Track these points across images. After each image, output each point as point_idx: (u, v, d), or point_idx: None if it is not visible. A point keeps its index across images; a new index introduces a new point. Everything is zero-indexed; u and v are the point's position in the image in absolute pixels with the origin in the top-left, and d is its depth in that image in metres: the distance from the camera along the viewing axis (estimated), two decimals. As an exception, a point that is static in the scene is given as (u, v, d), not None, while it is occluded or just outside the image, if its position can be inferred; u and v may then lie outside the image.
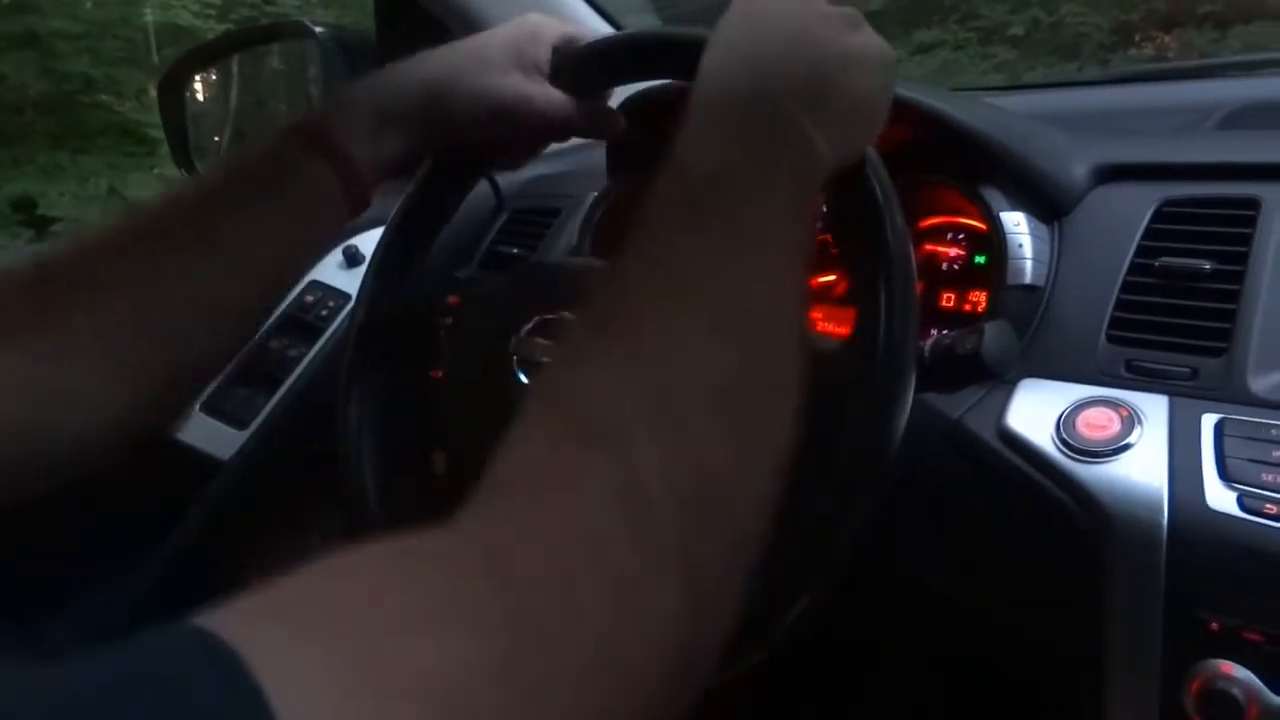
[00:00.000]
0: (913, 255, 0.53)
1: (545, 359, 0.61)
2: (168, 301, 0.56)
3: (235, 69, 1.29)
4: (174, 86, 1.21)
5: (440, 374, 0.70)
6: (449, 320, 0.70)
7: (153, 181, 4.71)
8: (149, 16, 4.81)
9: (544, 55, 0.66)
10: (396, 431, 0.71)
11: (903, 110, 0.75)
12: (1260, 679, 0.53)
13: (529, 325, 0.63)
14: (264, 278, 0.61)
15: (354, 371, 0.72)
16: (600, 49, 0.66)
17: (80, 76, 4.84)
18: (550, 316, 0.63)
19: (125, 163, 4.89)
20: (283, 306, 1.04)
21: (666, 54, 0.63)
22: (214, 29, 4.94)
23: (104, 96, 4.99)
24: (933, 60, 4.95)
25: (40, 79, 4.78)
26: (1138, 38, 4.71)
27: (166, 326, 0.56)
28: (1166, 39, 4.58)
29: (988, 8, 5.12)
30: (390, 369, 0.74)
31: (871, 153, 0.54)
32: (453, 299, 0.71)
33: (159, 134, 4.67)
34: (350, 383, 0.72)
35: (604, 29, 1.24)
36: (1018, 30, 4.91)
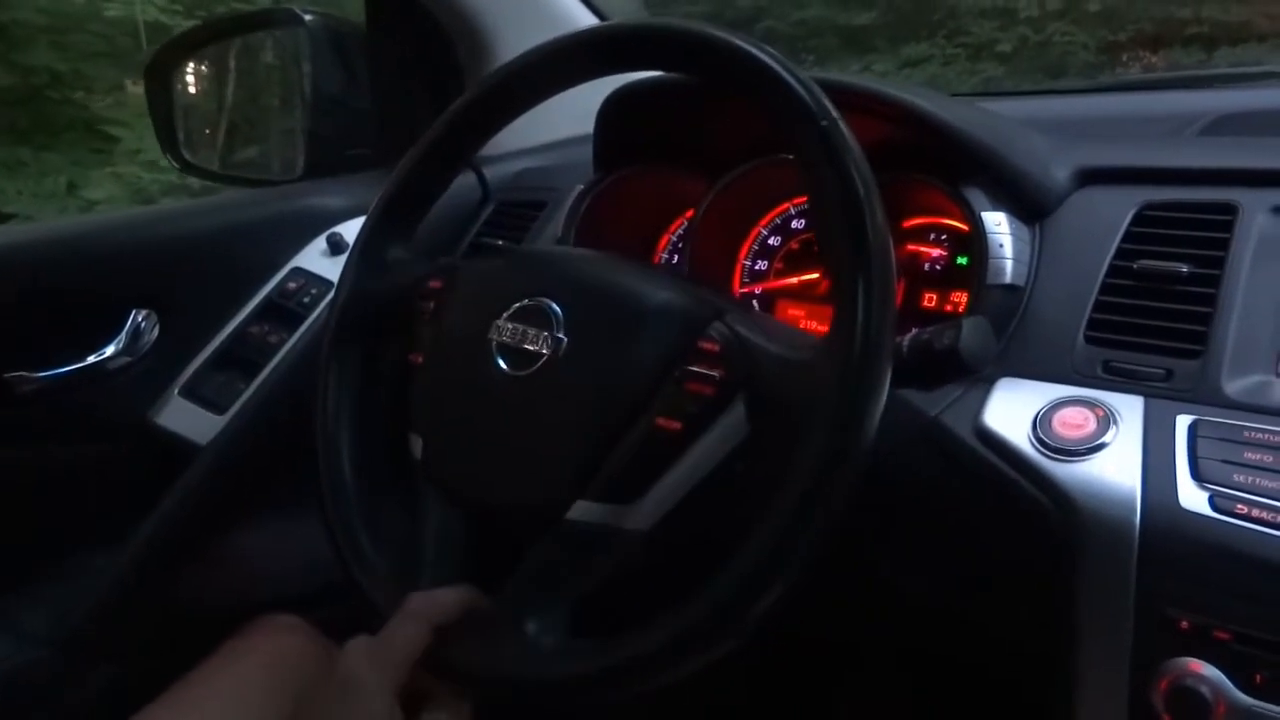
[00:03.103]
0: (892, 251, 0.53)
1: (525, 345, 0.61)
2: None
3: (224, 58, 1.29)
4: (160, 75, 1.20)
5: (419, 358, 0.70)
6: (430, 305, 0.70)
7: (108, 181, 4.59)
8: (110, 11, 4.68)
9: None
10: (375, 415, 0.71)
11: (887, 108, 0.76)
12: (1228, 677, 0.53)
13: (509, 311, 0.63)
14: None
15: (333, 354, 0.72)
16: (585, 40, 0.66)
17: (46, 70, 4.68)
18: (530, 303, 0.63)
19: (90, 159, 4.74)
20: (265, 292, 1.03)
21: (650, 45, 0.63)
22: (180, 25, 4.77)
23: (72, 91, 4.85)
24: (920, 75, 5.01)
25: (5, 72, 4.67)
26: (1125, 57, 4.77)
27: None
28: (1153, 59, 4.64)
29: (976, 24, 5.18)
30: (369, 352, 0.74)
31: (855, 148, 0.54)
32: (434, 283, 0.71)
33: (121, 132, 4.57)
34: (329, 366, 0.72)
35: (595, 22, 1.24)
36: (1005, 47, 4.97)
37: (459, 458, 0.64)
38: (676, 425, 0.57)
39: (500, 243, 1.03)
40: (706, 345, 0.58)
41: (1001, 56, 4.95)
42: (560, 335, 0.61)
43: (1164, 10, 4.77)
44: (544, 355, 0.61)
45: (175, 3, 4.86)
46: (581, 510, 0.58)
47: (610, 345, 0.60)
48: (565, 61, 0.67)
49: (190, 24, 4.81)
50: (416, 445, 0.65)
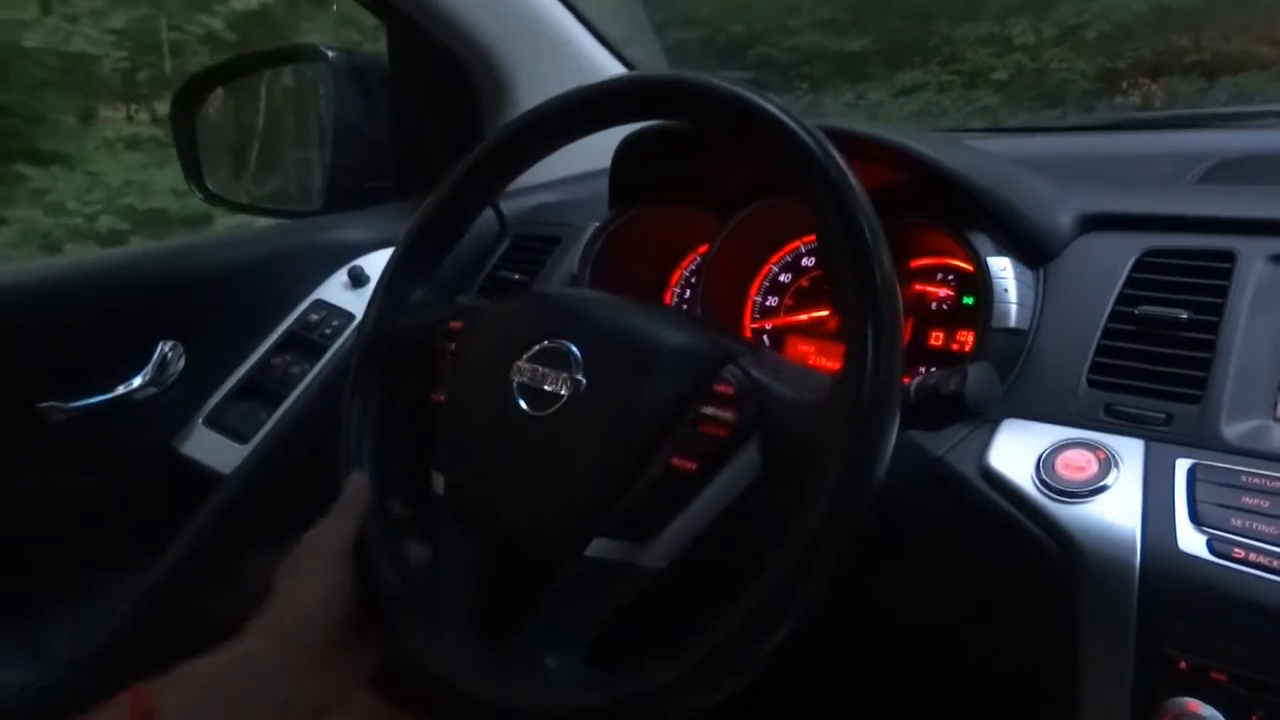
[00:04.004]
0: (899, 295, 0.55)
1: (545, 386, 0.63)
2: None
3: (249, 91, 1.31)
4: (185, 106, 1.23)
5: (441, 396, 0.72)
6: (451, 345, 0.72)
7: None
8: (29, 41, 4.43)
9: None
10: (396, 451, 0.73)
11: (894, 155, 0.78)
12: (1226, 718, 0.55)
13: (529, 353, 0.65)
14: None
15: (356, 390, 0.74)
16: (605, 91, 0.69)
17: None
18: (550, 344, 0.65)
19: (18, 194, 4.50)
20: (287, 323, 1.06)
21: (663, 98, 0.66)
22: (109, 55, 4.77)
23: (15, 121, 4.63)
24: (915, 102, 4.94)
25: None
26: (1124, 85, 4.72)
27: None
28: (1153, 88, 4.58)
29: (972, 51, 5.14)
30: (392, 389, 0.76)
31: (861, 193, 0.56)
32: (455, 324, 0.73)
33: (33, 171, 4.21)
34: (352, 401, 0.74)
35: (608, 60, 1.27)
36: (1001, 75, 4.92)
37: (480, 494, 0.66)
38: (692, 465, 0.59)
39: (516, 276, 1.05)
40: (721, 388, 0.60)
41: (997, 84, 4.90)
42: (579, 377, 0.62)
43: (1163, 38, 4.72)
44: (563, 396, 0.62)
45: (109, 32, 4.77)
46: (599, 547, 0.60)
47: (627, 387, 0.62)
48: (581, 112, 0.70)
49: (120, 54, 4.76)
50: (438, 482, 0.67)
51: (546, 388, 0.63)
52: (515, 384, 0.65)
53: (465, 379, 0.70)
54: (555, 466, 0.62)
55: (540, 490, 0.63)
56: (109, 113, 5.40)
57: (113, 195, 4.22)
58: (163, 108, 5.14)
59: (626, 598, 0.61)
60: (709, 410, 0.60)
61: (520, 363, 0.65)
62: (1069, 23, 4.93)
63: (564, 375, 0.63)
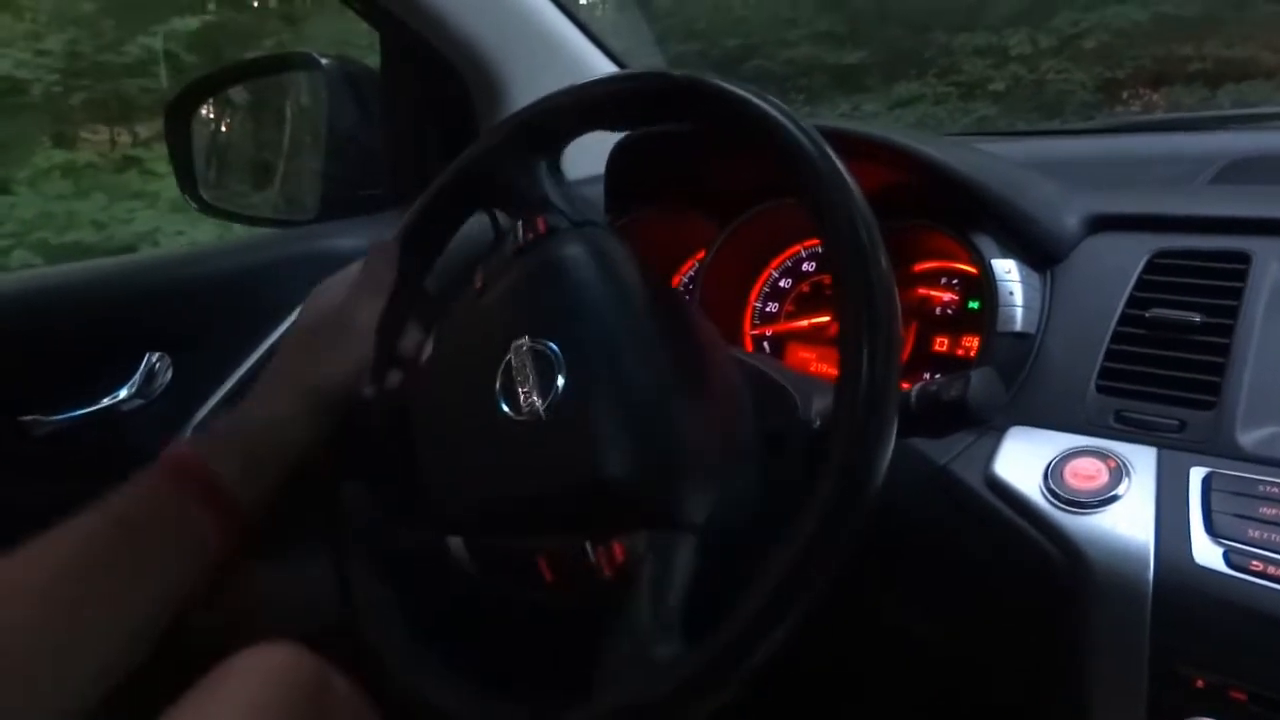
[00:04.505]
0: (897, 297, 0.53)
1: (528, 387, 0.60)
2: None
3: (242, 100, 1.30)
4: (179, 116, 1.22)
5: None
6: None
7: None
8: None
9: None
10: (386, 454, 0.71)
11: (896, 156, 0.76)
12: (1245, 739, 0.52)
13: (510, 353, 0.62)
14: (137, 618, 0.62)
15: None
16: (600, 91, 0.67)
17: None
18: (537, 346, 0.62)
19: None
20: (278, 333, 1.03)
21: (656, 97, 0.64)
22: (42, 80, 4.57)
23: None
24: (911, 114, 4.93)
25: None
26: (1124, 95, 4.69)
27: None
28: (1154, 97, 4.55)
29: (969, 62, 5.12)
30: (380, 394, 0.73)
31: (858, 194, 0.54)
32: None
33: None
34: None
35: (605, 64, 1.25)
36: (998, 86, 4.91)
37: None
38: None
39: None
40: None
41: (994, 95, 4.88)
42: (560, 370, 0.59)
43: (1164, 46, 4.68)
44: (557, 383, 0.59)
45: (43, 56, 4.64)
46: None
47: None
48: (575, 113, 0.68)
49: (53, 78, 4.64)
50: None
51: (533, 388, 0.60)
52: (498, 386, 0.62)
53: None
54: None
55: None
56: (89, 135, 5.29)
57: (28, 228, 3.94)
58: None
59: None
60: None
61: (500, 372, 0.62)
62: (1067, 32, 4.91)
63: (548, 370, 0.60)
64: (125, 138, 5.20)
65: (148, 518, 0.63)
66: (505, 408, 0.60)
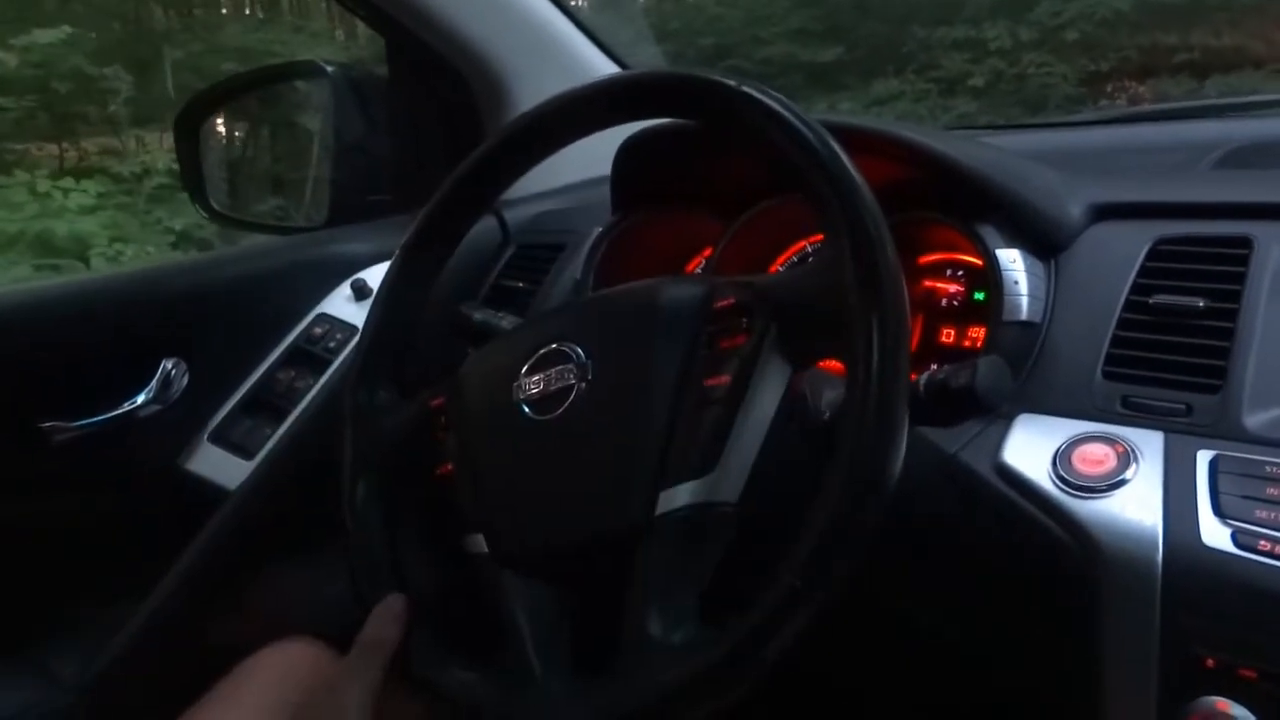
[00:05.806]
0: (905, 292, 0.54)
1: (554, 387, 0.62)
2: None
3: (251, 109, 1.32)
4: (189, 126, 1.23)
5: (449, 467, 0.69)
6: (442, 419, 0.70)
7: None
8: None
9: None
10: (398, 460, 0.72)
11: (899, 149, 0.77)
12: (1257, 717, 0.53)
13: (527, 367, 0.64)
14: None
15: (354, 404, 0.73)
16: (603, 89, 0.68)
17: None
18: (544, 351, 0.64)
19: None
20: (291, 338, 1.05)
21: (661, 94, 0.65)
22: None
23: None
24: (890, 112, 4.82)
25: None
26: (1109, 88, 4.60)
27: None
28: (1140, 89, 4.46)
29: (947, 58, 5.02)
30: (392, 397, 0.74)
31: (864, 187, 0.55)
32: (435, 401, 0.71)
33: None
34: (353, 408, 0.73)
35: (609, 67, 1.26)
36: (978, 81, 4.81)
37: (528, 530, 0.63)
38: (724, 379, 0.58)
39: (521, 285, 1.04)
40: (722, 303, 0.59)
41: (975, 91, 4.79)
42: (585, 361, 0.62)
43: (1149, 37, 4.59)
44: (574, 386, 0.61)
45: None
46: (667, 500, 0.56)
47: (635, 343, 0.61)
48: (578, 112, 0.68)
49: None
50: (476, 542, 0.64)
51: (555, 388, 0.62)
52: (522, 401, 0.63)
53: (473, 433, 0.67)
54: (593, 454, 0.60)
55: (589, 485, 0.60)
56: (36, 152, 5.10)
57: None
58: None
59: (717, 546, 0.58)
60: (720, 326, 0.59)
61: (521, 381, 0.64)
62: (1047, 24, 4.81)
63: (569, 368, 0.62)
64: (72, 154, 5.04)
65: None
66: (535, 414, 0.62)
